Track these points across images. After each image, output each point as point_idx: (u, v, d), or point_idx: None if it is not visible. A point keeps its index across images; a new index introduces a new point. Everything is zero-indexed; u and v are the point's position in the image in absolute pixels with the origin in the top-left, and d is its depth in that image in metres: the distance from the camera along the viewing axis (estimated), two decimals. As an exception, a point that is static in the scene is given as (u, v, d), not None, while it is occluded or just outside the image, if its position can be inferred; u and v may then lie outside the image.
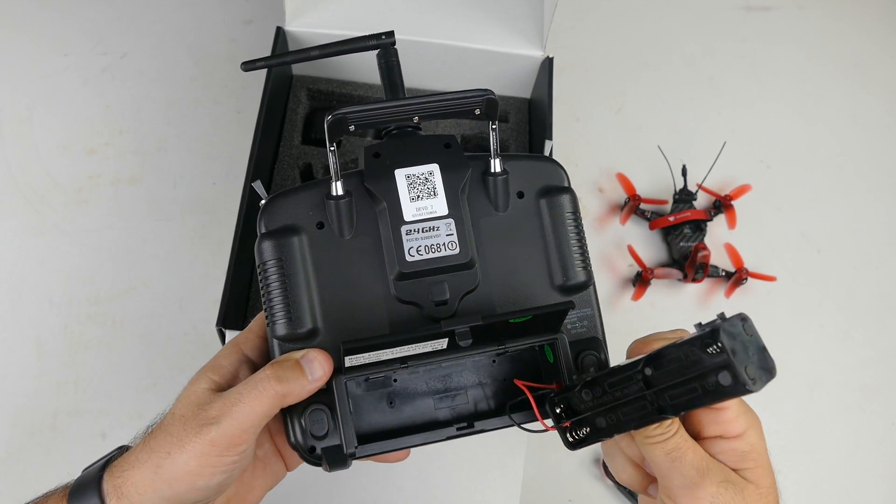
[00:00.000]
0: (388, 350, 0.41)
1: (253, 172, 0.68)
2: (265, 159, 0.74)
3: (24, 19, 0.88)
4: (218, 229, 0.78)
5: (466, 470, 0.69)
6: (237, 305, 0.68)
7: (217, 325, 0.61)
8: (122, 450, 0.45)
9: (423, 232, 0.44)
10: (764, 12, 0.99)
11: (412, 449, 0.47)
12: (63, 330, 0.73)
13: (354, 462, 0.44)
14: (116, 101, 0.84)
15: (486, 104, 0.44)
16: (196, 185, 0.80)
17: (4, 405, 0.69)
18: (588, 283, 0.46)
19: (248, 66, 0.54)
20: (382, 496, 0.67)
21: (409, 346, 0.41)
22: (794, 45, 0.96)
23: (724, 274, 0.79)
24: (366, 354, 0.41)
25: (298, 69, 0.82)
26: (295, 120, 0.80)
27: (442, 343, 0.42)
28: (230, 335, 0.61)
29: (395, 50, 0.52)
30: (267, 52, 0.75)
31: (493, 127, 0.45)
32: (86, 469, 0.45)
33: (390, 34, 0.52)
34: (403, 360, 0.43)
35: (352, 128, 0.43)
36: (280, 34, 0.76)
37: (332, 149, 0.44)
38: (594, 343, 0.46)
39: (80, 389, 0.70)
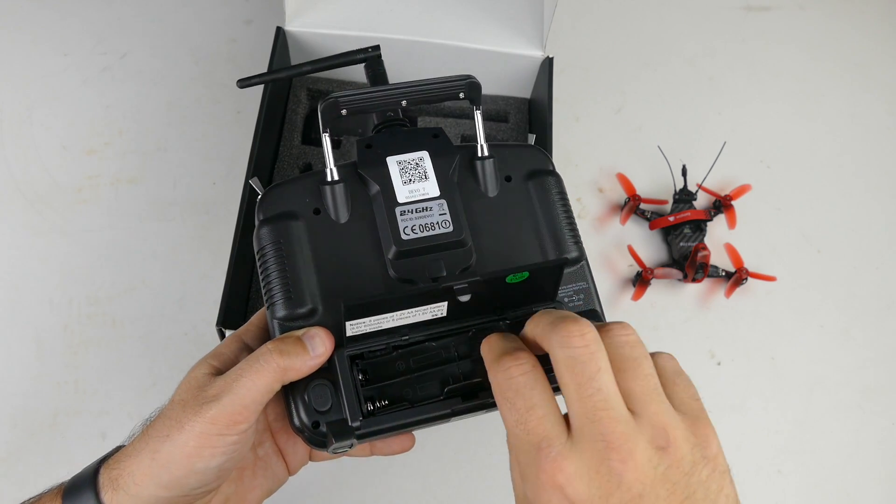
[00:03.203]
0: (388, 315, 0.41)
1: (253, 172, 0.68)
2: (265, 159, 0.74)
3: (24, 19, 0.88)
4: (218, 229, 0.78)
5: (466, 470, 0.69)
6: (237, 305, 0.68)
7: (217, 325, 0.61)
8: (120, 448, 0.45)
9: (416, 212, 0.45)
10: (764, 12, 0.99)
11: (412, 448, 0.47)
12: (63, 330, 0.73)
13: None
14: (116, 101, 0.84)
15: (468, 87, 0.47)
16: (196, 185, 0.80)
17: (4, 405, 0.69)
18: (581, 258, 0.48)
19: (244, 83, 0.56)
20: (382, 496, 0.67)
21: (409, 311, 0.41)
22: (795, 45, 0.96)
23: (724, 274, 0.79)
24: (367, 320, 0.41)
25: (298, 69, 0.82)
26: (295, 120, 0.80)
27: (441, 308, 0.42)
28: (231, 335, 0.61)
29: (381, 61, 0.55)
30: (267, 52, 0.75)
31: (478, 111, 0.48)
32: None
33: (376, 48, 0.55)
34: (404, 331, 0.43)
35: (344, 111, 0.45)
36: (280, 34, 0.76)
37: (325, 133, 0.45)
38: (593, 315, 0.47)
39: (80, 389, 0.70)
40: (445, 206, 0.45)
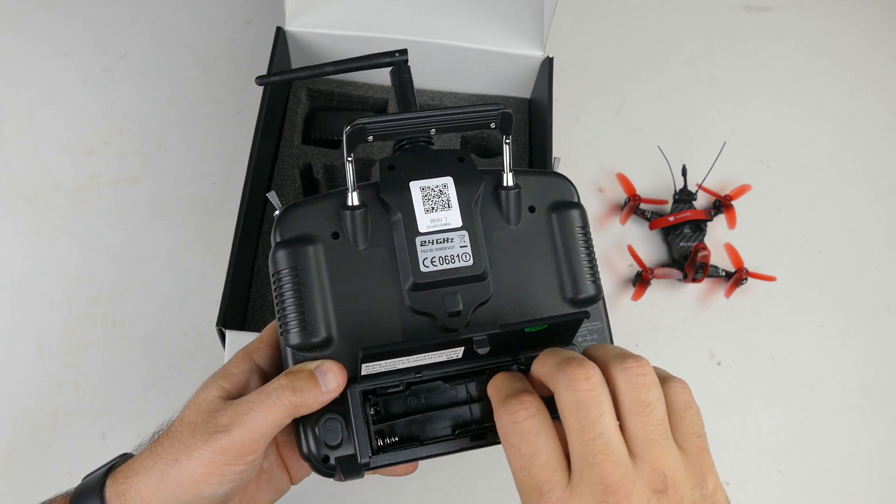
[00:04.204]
0: (404, 358, 0.41)
1: (253, 172, 0.68)
2: (265, 159, 0.74)
3: (24, 19, 0.88)
4: (218, 229, 0.78)
5: (466, 470, 0.69)
6: (237, 305, 0.68)
7: (217, 325, 0.61)
8: (126, 457, 0.45)
9: (437, 243, 0.44)
10: (764, 12, 0.99)
11: (415, 472, 0.47)
12: (63, 330, 0.73)
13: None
14: (116, 101, 0.84)
15: (501, 118, 0.45)
16: (196, 185, 0.80)
17: (4, 405, 0.69)
18: (598, 296, 0.47)
19: (263, 80, 0.54)
20: (383, 496, 0.67)
21: (425, 354, 0.41)
22: (795, 44, 0.96)
23: (724, 274, 0.79)
24: (382, 362, 0.41)
25: (298, 69, 0.82)
26: (295, 120, 0.80)
27: (457, 352, 0.42)
28: (230, 335, 0.61)
29: (408, 67, 0.53)
30: (267, 52, 0.75)
31: (507, 141, 0.46)
32: (87, 476, 0.44)
33: (403, 52, 0.53)
34: (418, 370, 0.43)
35: (370, 138, 0.44)
36: (280, 34, 0.76)
37: (349, 159, 0.44)
38: None
39: (80, 389, 0.70)
40: (467, 239, 0.44)
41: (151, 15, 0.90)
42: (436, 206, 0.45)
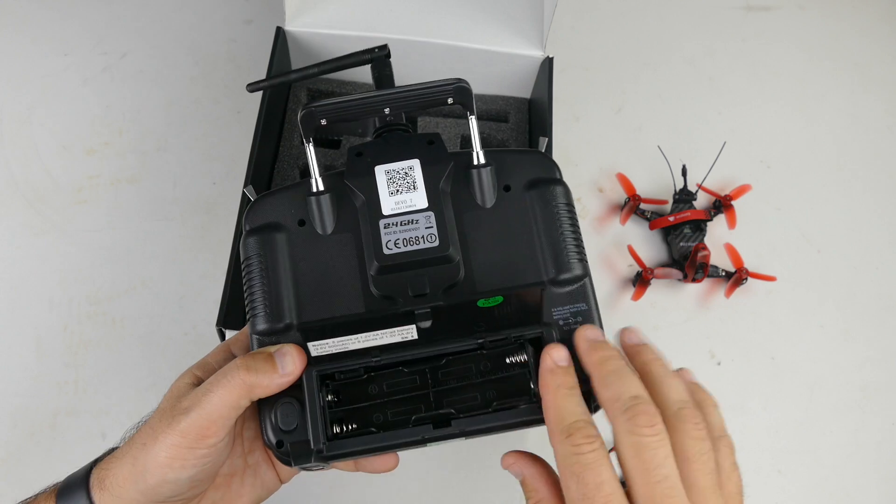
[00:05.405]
0: (353, 337, 0.40)
1: (253, 172, 0.68)
2: (265, 159, 0.74)
3: (24, 19, 0.88)
4: (218, 229, 0.78)
5: (466, 470, 0.69)
6: (237, 305, 0.67)
7: (217, 325, 0.61)
8: (113, 450, 0.46)
9: (401, 225, 0.43)
10: (764, 12, 0.99)
11: (396, 467, 0.46)
12: (63, 330, 0.73)
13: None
14: (116, 101, 0.84)
15: (456, 92, 0.44)
16: (196, 185, 0.80)
17: (4, 405, 0.69)
18: (583, 275, 0.45)
19: (253, 87, 0.56)
20: (383, 496, 0.67)
21: (375, 333, 0.40)
22: (795, 45, 0.96)
23: (724, 274, 0.79)
24: (331, 341, 0.40)
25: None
26: (295, 120, 0.80)
27: (411, 331, 0.41)
28: (230, 335, 0.61)
29: (389, 62, 0.53)
30: (267, 52, 0.75)
31: (472, 116, 0.45)
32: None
33: (383, 47, 0.53)
34: (374, 353, 0.42)
35: (323, 121, 0.44)
36: (280, 34, 0.76)
37: (308, 145, 0.44)
38: None
39: (80, 389, 0.70)
40: (433, 219, 0.43)
41: (151, 15, 0.90)
42: (401, 189, 0.44)
